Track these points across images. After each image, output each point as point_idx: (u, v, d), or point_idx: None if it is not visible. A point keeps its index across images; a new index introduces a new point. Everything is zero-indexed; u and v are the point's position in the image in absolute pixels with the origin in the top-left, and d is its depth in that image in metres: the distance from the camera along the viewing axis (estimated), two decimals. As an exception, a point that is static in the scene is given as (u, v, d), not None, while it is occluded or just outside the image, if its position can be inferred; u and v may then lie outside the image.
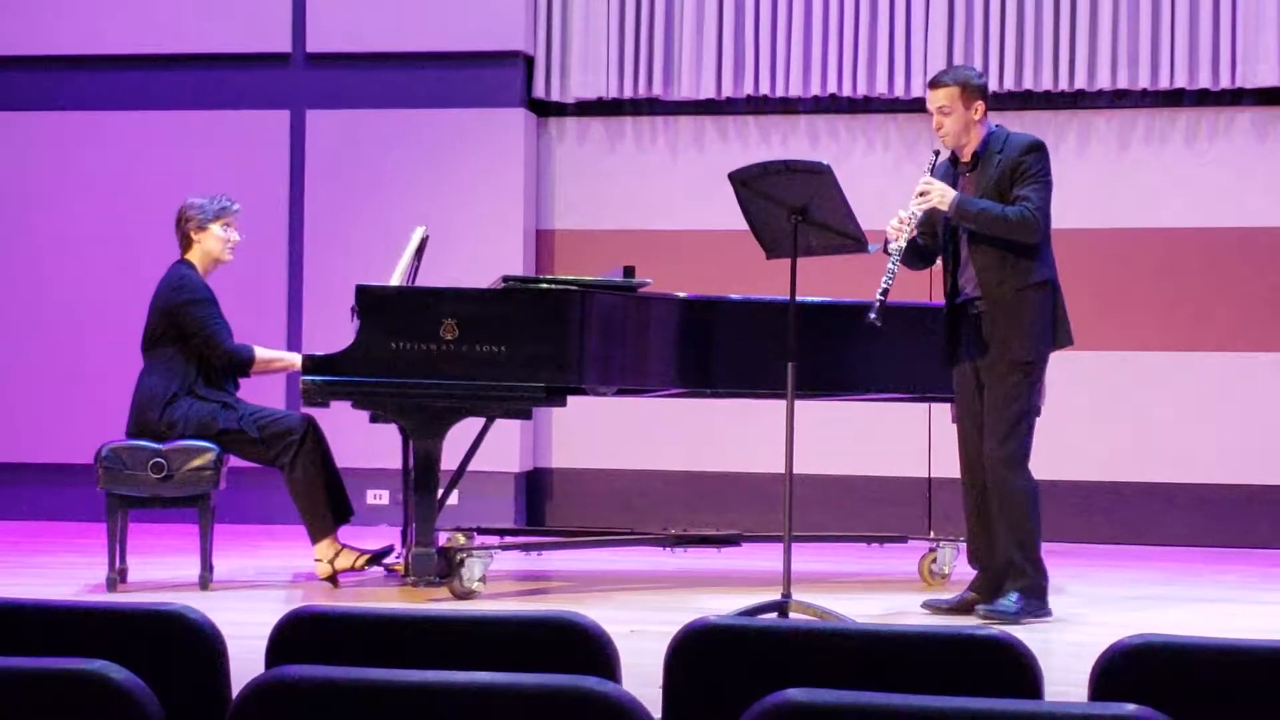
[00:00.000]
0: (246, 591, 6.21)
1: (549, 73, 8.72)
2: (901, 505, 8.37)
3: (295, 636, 2.58)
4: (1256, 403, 8.21)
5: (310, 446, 6.24)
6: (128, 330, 6.95)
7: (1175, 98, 8.34)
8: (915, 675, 2.43)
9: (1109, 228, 8.33)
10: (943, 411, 6.68)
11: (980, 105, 5.70)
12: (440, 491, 6.10)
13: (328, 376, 6.00)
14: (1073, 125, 8.41)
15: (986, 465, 5.66)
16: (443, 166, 8.65)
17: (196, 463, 6.10)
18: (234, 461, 6.33)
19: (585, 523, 8.42)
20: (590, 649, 2.53)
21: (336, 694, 2.06)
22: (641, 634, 4.93)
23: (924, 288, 7.21)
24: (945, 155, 5.81)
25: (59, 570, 6.89)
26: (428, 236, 6.64)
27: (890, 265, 5.52)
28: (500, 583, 6.34)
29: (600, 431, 8.56)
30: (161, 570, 6.69)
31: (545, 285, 6.20)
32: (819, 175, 5.44)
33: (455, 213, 8.49)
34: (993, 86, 7.79)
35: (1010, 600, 5.59)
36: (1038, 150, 5.66)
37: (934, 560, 6.67)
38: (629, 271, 6.21)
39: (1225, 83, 8.18)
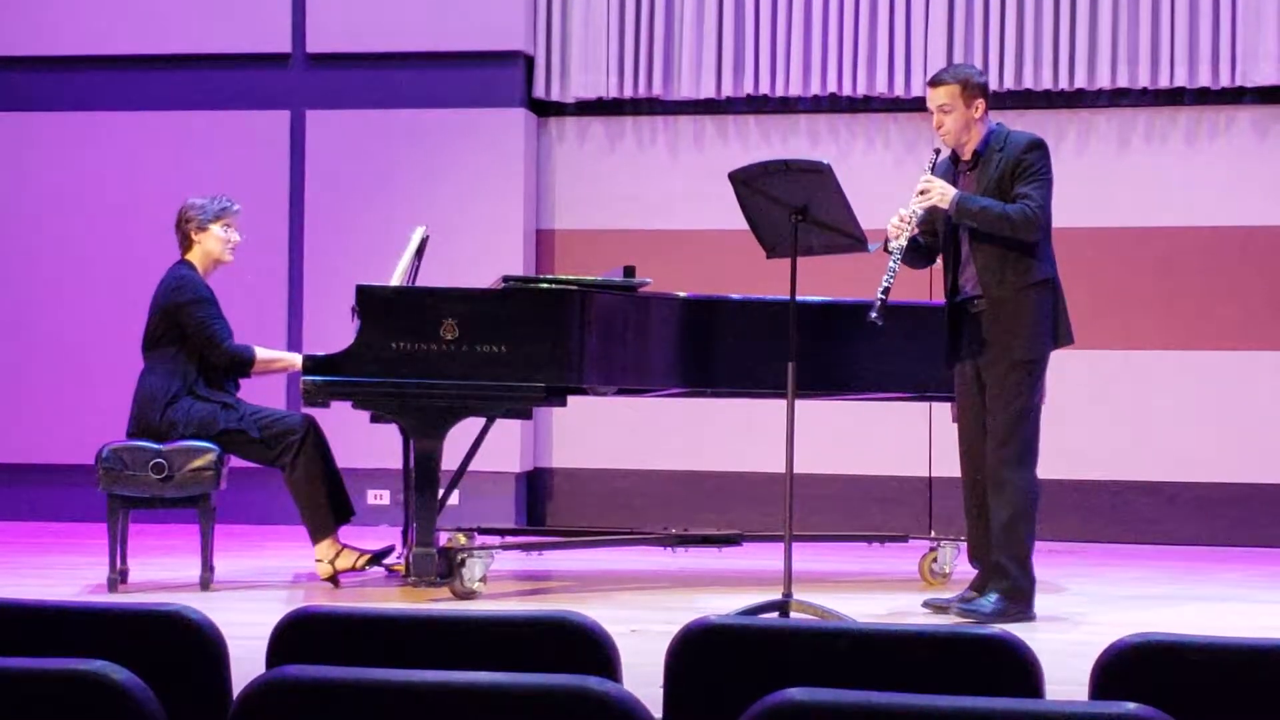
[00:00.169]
0: (247, 592, 6.21)
1: (549, 72, 8.73)
2: (902, 504, 8.38)
3: (296, 637, 2.58)
4: (1257, 401, 8.21)
5: (311, 447, 6.24)
6: (128, 330, 6.95)
7: (1175, 96, 8.34)
8: (916, 675, 2.43)
9: (1109, 226, 8.33)
10: (943, 411, 6.68)
11: (981, 103, 5.70)
12: (441, 491, 6.10)
13: (328, 377, 6.00)
14: (1073, 124, 8.41)
15: (987, 465, 5.65)
16: (443, 166, 8.65)
17: (197, 463, 6.09)
18: (235, 462, 6.33)
19: (586, 523, 8.43)
20: (591, 649, 2.53)
21: (337, 694, 2.06)
22: (642, 634, 4.94)
23: (924, 287, 7.21)
24: (946, 154, 5.80)
25: (60, 571, 6.88)
26: (428, 236, 6.63)
27: (891, 264, 5.51)
28: (501, 583, 6.34)
29: (600, 431, 8.56)
30: (162, 571, 6.70)
31: (545, 285, 6.20)
32: (819, 174, 5.43)
33: (455, 213, 8.49)
34: (992, 86, 7.79)
35: (989, 600, 5.58)
36: (1038, 148, 5.65)
37: (935, 560, 6.66)
38: (629, 271, 6.21)
39: (1225, 81, 8.18)
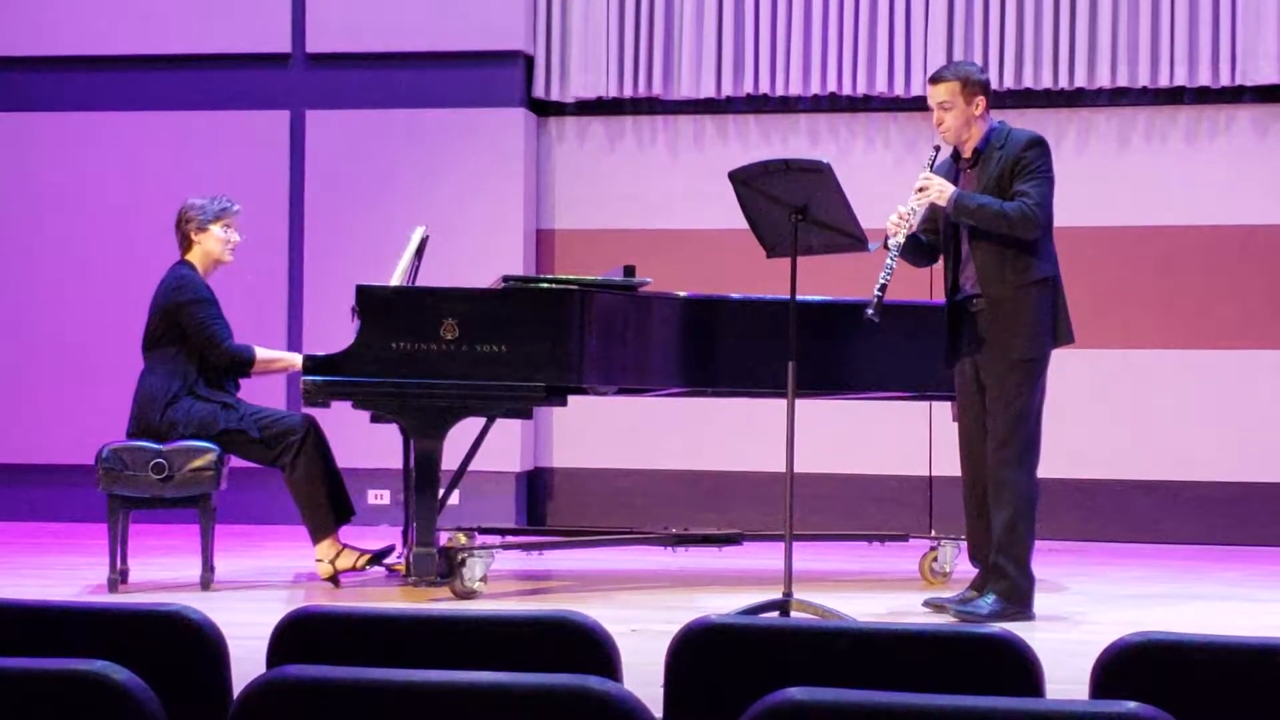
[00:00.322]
0: (248, 592, 6.21)
1: (549, 72, 8.73)
2: (902, 504, 8.38)
3: (296, 637, 2.58)
4: (1257, 400, 8.21)
5: (311, 447, 6.24)
6: (128, 331, 6.95)
7: (1175, 95, 8.34)
8: (916, 674, 2.43)
9: (1109, 226, 8.33)
10: (943, 409, 6.67)
11: (981, 100, 5.69)
12: (441, 491, 6.10)
13: (328, 376, 6.00)
14: (1073, 123, 8.41)
15: (988, 466, 5.65)
16: (443, 166, 8.65)
17: (197, 463, 6.09)
18: (235, 462, 6.32)
19: (586, 522, 8.43)
20: (591, 648, 2.53)
21: (337, 694, 2.06)
22: (642, 633, 4.94)
23: (924, 286, 7.21)
24: (946, 151, 5.80)
25: (60, 571, 6.88)
26: (428, 236, 6.63)
27: (888, 261, 5.51)
28: (501, 582, 6.34)
29: (601, 431, 8.56)
30: (163, 571, 6.69)
31: (545, 285, 6.20)
32: (819, 174, 5.43)
33: (455, 213, 8.49)
34: (992, 85, 7.79)
35: (987, 601, 5.57)
36: (1038, 146, 5.64)
37: (935, 559, 6.66)
38: (629, 271, 6.21)
39: (1225, 80, 8.18)
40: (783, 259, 5.56)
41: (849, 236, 5.50)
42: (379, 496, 8.40)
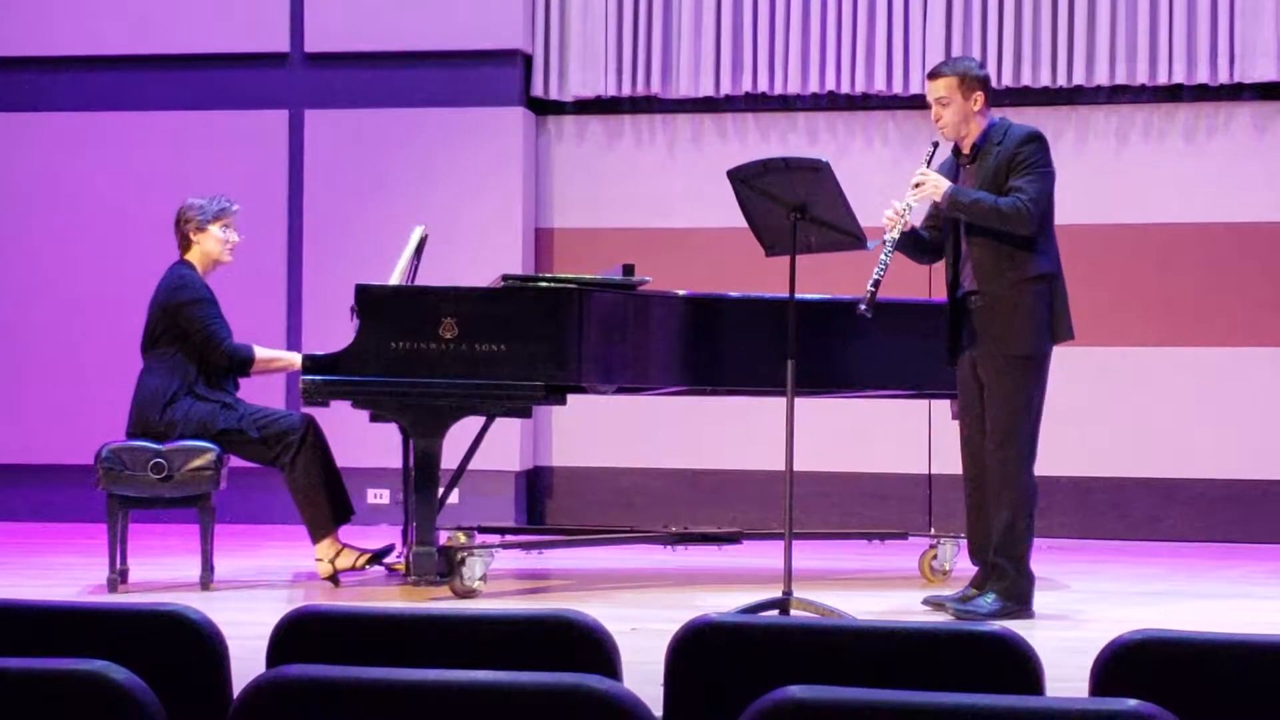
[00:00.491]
0: (247, 591, 6.21)
1: (547, 71, 8.72)
2: (902, 502, 8.38)
3: (296, 636, 2.58)
4: (1256, 398, 8.21)
5: (310, 446, 6.24)
6: (128, 330, 6.95)
7: (1174, 93, 8.34)
8: (916, 672, 2.43)
9: (1107, 223, 8.33)
10: (943, 408, 6.68)
11: (980, 96, 5.68)
12: (441, 490, 6.10)
13: (328, 376, 6.00)
14: (1071, 121, 8.41)
15: (987, 464, 5.64)
16: (442, 166, 8.65)
17: (197, 463, 6.09)
18: (234, 461, 6.33)
19: (586, 521, 8.42)
20: (591, 647, 2.53)
21: (337, 694, 2.06)
22: (642, 632, 4.93)
23: (923, 284, 7.21)
24: (946, 148, 5.80)
25: (60, 571, 6.88)
26: (427, 236, 6.64)
27: (883, 256, 5.50)
28: (501, 581, 6.34)
29: (600, 430, 8.56)
30: (162, 571, 6.69)
31: (544, 284, 6.20)
32: (818, 172, 5.43)
33: (454, 212, 8.49)
34: (991, 82, 7.78)
35: (987, 600, 5.57)
36: (1035, 141, 5.63)
37: (935, 557, 6.66)
38: (628, 270, 6.21)
39: (1224, 78, 8.18)
40: (782, 257, 5.56)
41: (848, 235, 5.50)
42: (378, 496, 8.40)
